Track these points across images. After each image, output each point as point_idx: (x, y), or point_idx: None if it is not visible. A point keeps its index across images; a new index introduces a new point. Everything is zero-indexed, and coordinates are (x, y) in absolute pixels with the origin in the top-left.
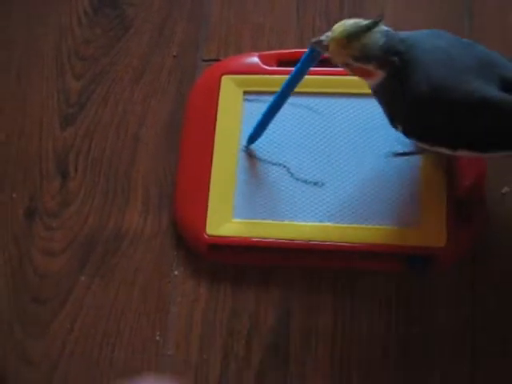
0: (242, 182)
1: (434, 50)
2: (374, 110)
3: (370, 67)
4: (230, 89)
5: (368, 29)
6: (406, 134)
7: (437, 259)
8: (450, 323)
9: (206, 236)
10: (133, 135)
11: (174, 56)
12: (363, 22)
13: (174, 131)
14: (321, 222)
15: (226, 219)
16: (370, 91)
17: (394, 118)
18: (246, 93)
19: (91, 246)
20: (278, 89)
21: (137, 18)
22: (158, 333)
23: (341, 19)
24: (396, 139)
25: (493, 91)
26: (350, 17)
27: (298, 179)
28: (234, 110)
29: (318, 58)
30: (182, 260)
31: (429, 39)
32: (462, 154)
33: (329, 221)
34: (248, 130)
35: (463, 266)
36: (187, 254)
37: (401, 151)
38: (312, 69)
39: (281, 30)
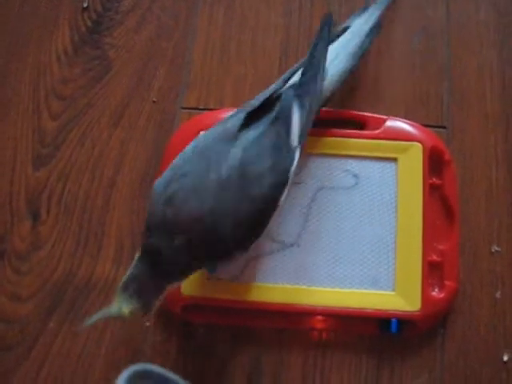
0: None
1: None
2: (351, 169)
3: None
4: None
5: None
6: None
7: (411, 323)
8: None
9: (180, 296)
10: (108, 180)
11: (154, 101)
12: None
13: (149, 178)
14: (294, 284)
15: (201, 280)
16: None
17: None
18: None
19: (61, 292)
20: None
21: (118, 60)
22: None
23: None
24: None
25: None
26: None
27: (275, 241)
28: None
29: None
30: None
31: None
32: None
33: (303, 283)
34: None
35: (434, 330)
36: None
37: None
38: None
39: (263, 80)
